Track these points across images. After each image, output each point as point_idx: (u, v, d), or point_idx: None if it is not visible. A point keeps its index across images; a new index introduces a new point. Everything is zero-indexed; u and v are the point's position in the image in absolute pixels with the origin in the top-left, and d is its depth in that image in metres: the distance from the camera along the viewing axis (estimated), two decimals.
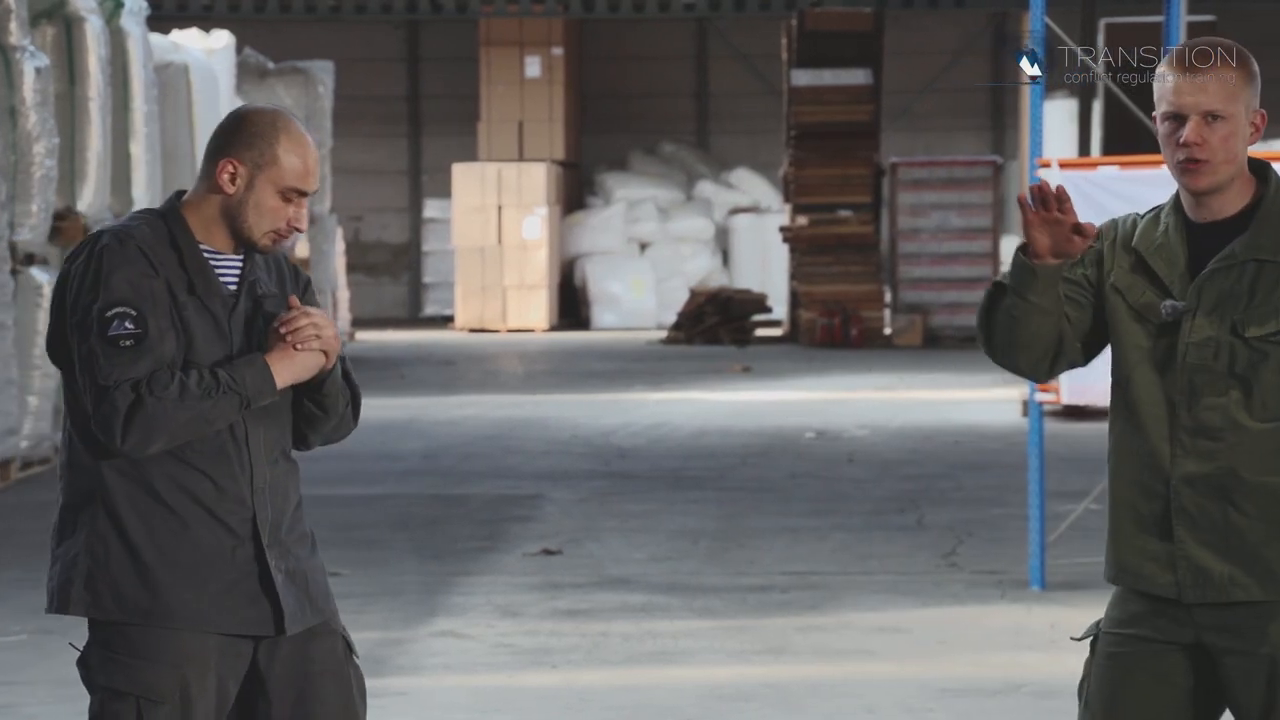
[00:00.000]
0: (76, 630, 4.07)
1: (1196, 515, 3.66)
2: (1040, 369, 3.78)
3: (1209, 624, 3.66)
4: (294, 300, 3.95)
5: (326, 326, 3.90)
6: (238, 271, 3.90)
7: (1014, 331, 3.73)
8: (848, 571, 9.36)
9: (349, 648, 4.00)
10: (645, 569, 9.46)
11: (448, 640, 7.93)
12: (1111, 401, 3.78)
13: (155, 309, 3.80)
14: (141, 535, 3.82)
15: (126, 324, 3.77)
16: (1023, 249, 3.72)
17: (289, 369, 3.85)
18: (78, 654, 3.91)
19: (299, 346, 3.88)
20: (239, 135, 3.86)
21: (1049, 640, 7.76)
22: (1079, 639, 3.85)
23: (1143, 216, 3.81)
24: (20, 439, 12.53)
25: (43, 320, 12.17)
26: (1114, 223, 3.82)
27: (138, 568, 3.82)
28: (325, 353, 3.92)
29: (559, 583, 9.10)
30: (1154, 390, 3.69)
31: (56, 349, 3.89)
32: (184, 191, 3.97)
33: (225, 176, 3.85)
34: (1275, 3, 27.58)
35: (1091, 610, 8.45)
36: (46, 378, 12.69)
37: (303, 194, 3.86)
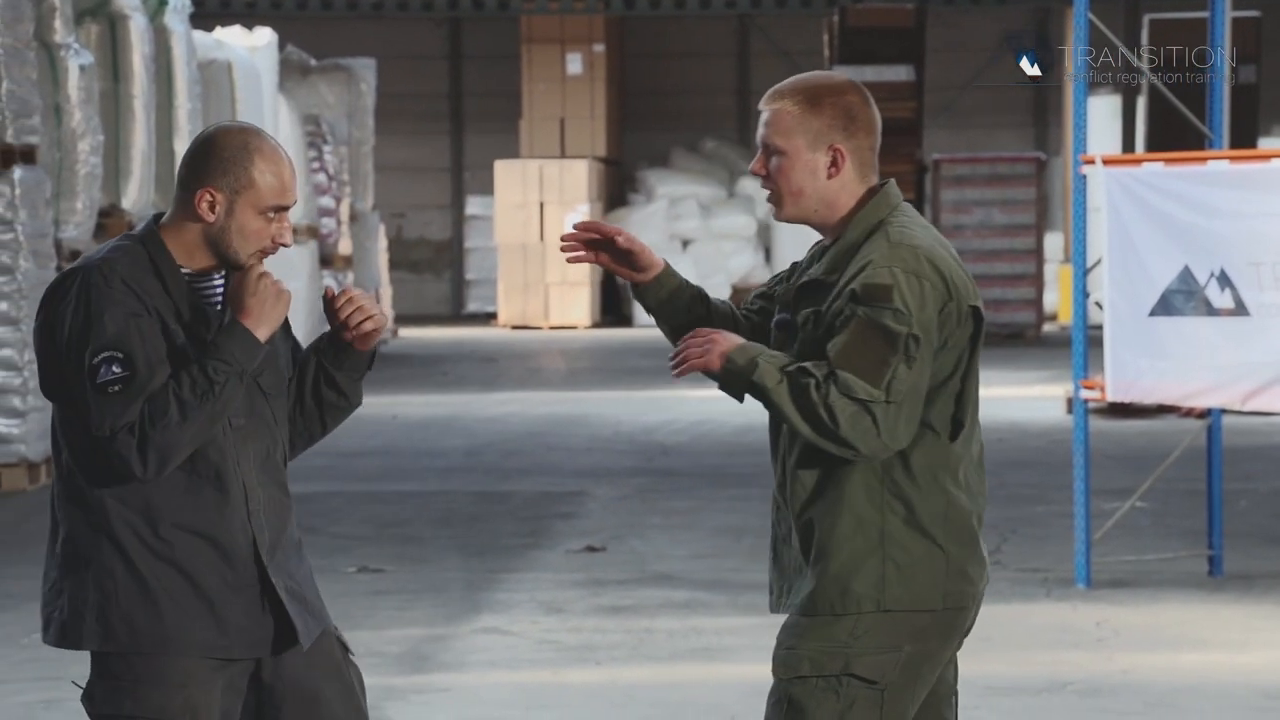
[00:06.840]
0: (77, 666, 4.03)
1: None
2: None
3: None
4: (330, 289, 3.99)
5: (371, 303, 3.98)
6: (222, 290, 3.88)
7: None
8: None
9: (344, 647, 3.98)
10: (688, 566, 9.45)
11: (492, 637, 7.93)
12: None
13: (145, 345, 3.75)
14: (148, 565, 3.78)
15: (114, 368, 3.72)
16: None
17: (264, 322, 3.81)
18: (80, 690, 3.86)
19: (354, 323, 3.92)
20: (211, 161, 3.81)
21: (1095, 639, 7.72)
22: None
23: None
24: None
25: None
26: None
27: (148, 598, 3.78)
28: (376, 329, 4.00)
29: (602, 579, 9.10)
30: None
31: (52, 387, 3.83)
32: (162, 214, 3.92)
33: (204, 206, 3.81)
34: None
35: (1135, 608, 8.42)
36: None
37: (283, 209, 3.84)
